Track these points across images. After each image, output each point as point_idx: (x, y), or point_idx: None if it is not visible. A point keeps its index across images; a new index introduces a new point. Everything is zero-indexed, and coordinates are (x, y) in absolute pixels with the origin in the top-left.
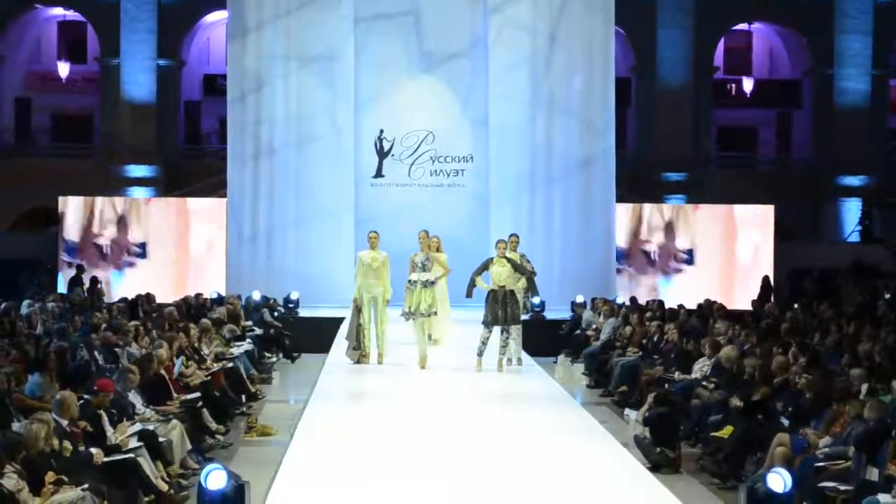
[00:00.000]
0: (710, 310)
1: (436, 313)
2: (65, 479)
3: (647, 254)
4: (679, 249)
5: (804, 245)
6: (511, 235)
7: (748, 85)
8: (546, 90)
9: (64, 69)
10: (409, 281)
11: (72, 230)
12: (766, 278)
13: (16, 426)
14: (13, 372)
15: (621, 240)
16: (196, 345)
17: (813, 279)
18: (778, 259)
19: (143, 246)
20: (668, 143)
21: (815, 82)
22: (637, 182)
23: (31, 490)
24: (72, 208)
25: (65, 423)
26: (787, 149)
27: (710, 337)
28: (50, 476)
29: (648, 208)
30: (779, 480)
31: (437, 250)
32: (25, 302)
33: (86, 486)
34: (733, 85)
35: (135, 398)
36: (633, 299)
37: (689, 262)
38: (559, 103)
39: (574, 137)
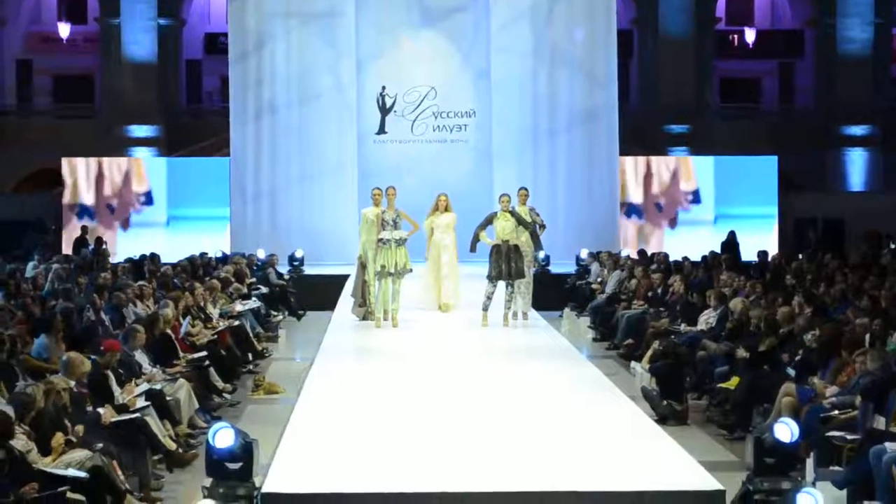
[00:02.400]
0: (715, 262)
1: (411, 271)
2: (73, 439)
3: (657, 205)
4: (684, 192)
5: (808, 195)
6: (520, 189)
7: (750, 35)
8: (548, 43)
9: (64, 30)
10: (381, 240)
11: (84, 192)
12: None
13: (20, 386)
14: (18, 334)
15: (636, 195)
16: (202, 304)
17: (817, 229)
18: (782, 209)
19: (148, 194)
20: (670, 94)
21: (817, 32)
22: (640, 134)
23: (41, 450)
24: (81, 170)
25: (72, 383)
26: (790, 99)
27: (715, 289)
28: (59, 437)
29: (655, 161)
30: (786, 430)
31: (447, 209)
32: (31, 263)
33: (97, 445)
34: (735, 36)
35: (141, 358)
36: (640, 252)
37: (696, 201)
38: (561, 56)
39: (577, 90)
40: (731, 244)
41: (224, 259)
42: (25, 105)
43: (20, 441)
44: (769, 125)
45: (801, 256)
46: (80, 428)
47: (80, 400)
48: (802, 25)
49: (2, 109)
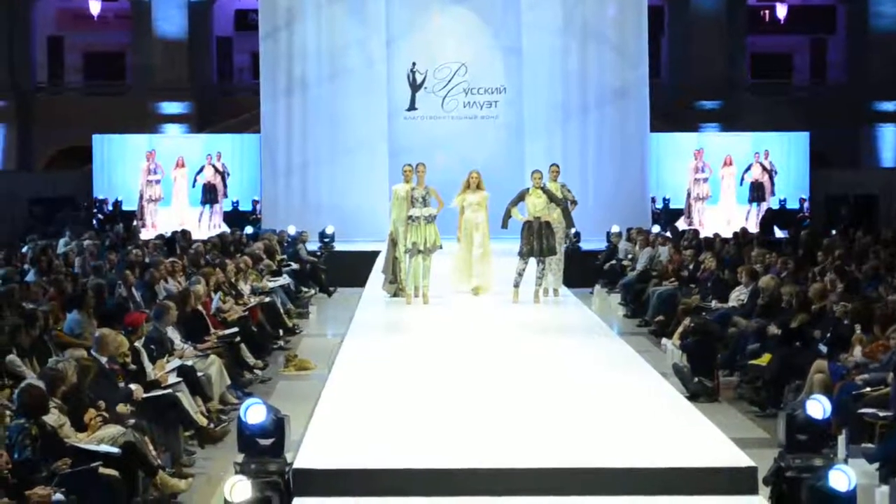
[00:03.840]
0: (746, 238)
1: (441, 247)
2: (106, 414)
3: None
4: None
5: (840, 171)
6: (552, 165)
7: (782, 11)
8: (579, 18)
9: (95, 7)
10: (411, 217)
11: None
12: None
13: (50, 361)
14: (51, 310)
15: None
16: (233, 280)
17: (849, 205)
18: (814, 185)
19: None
20: (701, 71)
21: (849, 7)
22: (671, 111)
23: (74, 425)
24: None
25: (104, 360)
26: (822, 75)
27: (747, 265)
28: (91, 413)
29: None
30: (818, 407)
31: (479, 186)
32: (62, 240)
33: (130, 421)
34: (767, 11)
35: (173, 334)
36: (673, 228)
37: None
38: (592, 31)
39: (607, 66)
40: (769, 221)
41: (255, 235)
42: (56, 82)
43: (52, 416)
44: (801, 101)
45: (833, 233)
46: (122, 408)
47: (112, 376)
48: (834, 1)
49: (33, 86)
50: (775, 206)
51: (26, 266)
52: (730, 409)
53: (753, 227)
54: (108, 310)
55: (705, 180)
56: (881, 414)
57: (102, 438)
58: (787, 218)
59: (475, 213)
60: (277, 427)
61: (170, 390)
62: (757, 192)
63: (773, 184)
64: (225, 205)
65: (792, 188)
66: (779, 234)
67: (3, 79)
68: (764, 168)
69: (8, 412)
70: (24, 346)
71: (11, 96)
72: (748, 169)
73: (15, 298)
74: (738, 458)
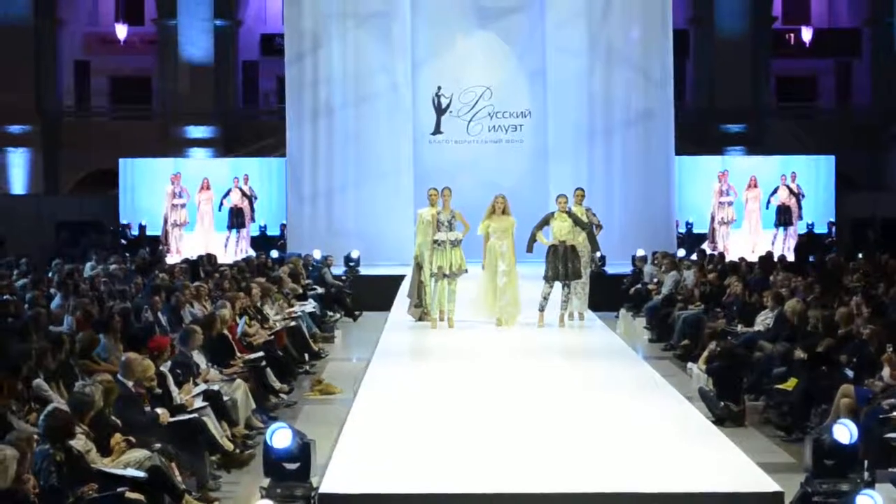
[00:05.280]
0: (771, 262)
1: (466, 271)
2: (132, 439)
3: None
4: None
5: (865, 195)
6: (576, 189)
7: (807, 34)
8: (604, 41)
9: (122, 31)
10: (436, 241)
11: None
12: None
13: (77, 385)
14: (86, 338)
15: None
16: (259, 304)
17: (875, 229)
18: (839, 209)
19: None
20: (726, 94)
21: (874, 31)
22: (696, 134)
23: (99, 450)
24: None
25: (130, 384)
26: (847, 98)
27: (772, 289)
28: (117, 437)
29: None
30: (845, 432)
31: (504, 211)
32: (88, 264)
33: (156, 445)
34: (792, 34)
35: (199, 358)
36: (700, 252)
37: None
38: (617, 55)
39: (632, 89)
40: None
41: (280, 260)
42: (83, 106)
43: (79, 441)
44: (826, 124)
45: (859, 256)
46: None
47: (138, 400)
48: (859, 24)
49: (60, 111)
50: (802, 231)
51: (52, 290)
52: (756, 433)
53: (780, 252)
54: (134, 334)
55: (730, 204)
56: None
57: (128, 463)
58: (815, 242)
59: (500, 240)
60: (303, 451)
61: (196, 414)
62: (784, 216)
63: (800, 207)
64: (252, 229)
65: (818, 212)
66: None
67: (30, 103)
68: (791, 191)
69: (36, 436)
70: (51, 370)
71: (38, 120)
72: (774, 192)
73: (41, 322)
74: (764, 483)
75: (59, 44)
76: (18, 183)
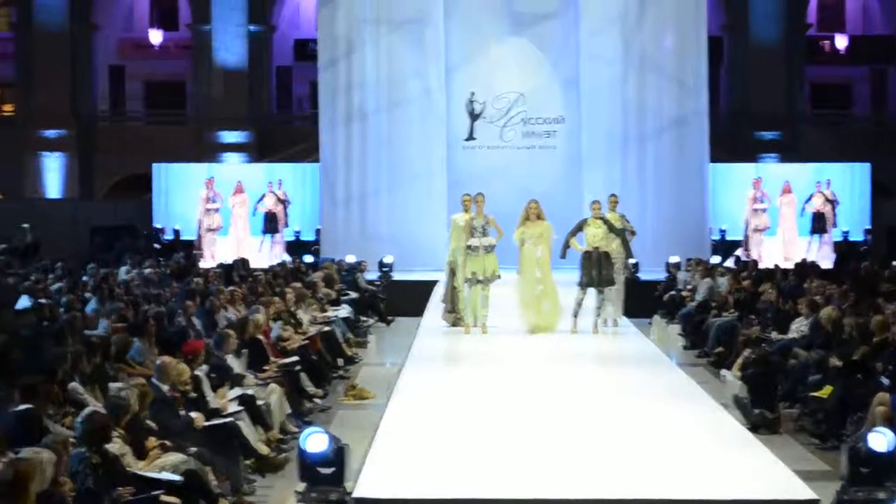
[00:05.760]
0: (806, 269)
1: (500, 277)
2: (168, 443)
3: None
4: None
5: None
6: (610, 195)
7: (842, 42)
8: (637, 48)
9: (156, 36)
10: (469, 247)
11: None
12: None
13: (112, 387)
14: (120, 340)
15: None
16: (293, 309)
17: None
18: (875, 216)
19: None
20: (760, 101)
21: None
22: (730, 141)
23: (135, 454)
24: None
25: (165, 388)
26: (882, 105)
27: (807, 296)
28: (152, 441)
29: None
30: (881, 440)
31: (539, 217)
32: (123, 268)
33: (191, 449)
34: (827, 42)
35: (233, 363)
36: (736, 258)
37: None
38: (651, 62)
39: (666, 96)
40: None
41: (314, 265)
42: (118, 111)
43: (115, 444)
44: (861, 132)
45: (894, 264)
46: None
47: (173, 404)
48: (894, 31)
49: (95, 115)
50: (838, 238)
51: (87, 294)
52: (791, 441)
53: (814, 259)
54: (168, 338)
55: (764, 210)
56: None
57: (164, 466)
58: (852, 250)
59: (535, 245)
60: (338, 456)
61: (231, 419)
62: (818, 223)
63: (835, 214)
64: (286, 234)
65: (853, 219)
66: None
67: (65, 108)
68: (826, 198)
69: (72, 439)
70: (87, 374)
71: (73, 125)
72: (809, 199)
73: (77, 326)
74: (800, 491)
75: (94, 49)
76: (54, 187)
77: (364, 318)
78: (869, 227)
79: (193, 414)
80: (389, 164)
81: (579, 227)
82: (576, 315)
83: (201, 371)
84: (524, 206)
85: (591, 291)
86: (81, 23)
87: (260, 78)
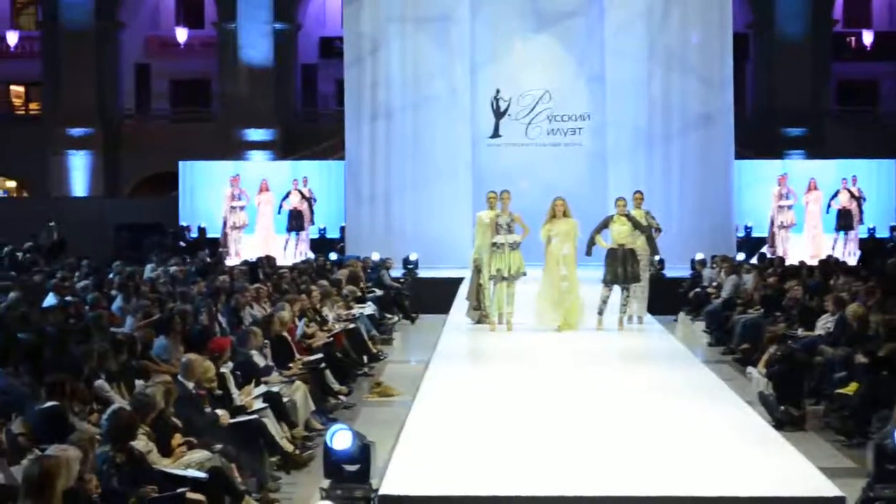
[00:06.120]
0: (832, 266)
1: (525, 274)
2: (193, 440)
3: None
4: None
5: None
6: (635, 192)
7: (868, 38)
8: (663, 46)
9: (182, 34)
10: (495, 244)
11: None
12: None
13: (139, 385)
14: (143, 336)
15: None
16: (318, 306)
17: None
18: None
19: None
20: (786, 98)
21: None
22: (756, 138)
23: (160, 451)
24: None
25: (190, 385)
26: None
27: (833, 293)
28: (178, 438)
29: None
30: None
31: (565, 214)
32: (149, 266)
33: (216, 446)
34: (853, 38)
35: (259, 359)
36: (761, 255)
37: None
38: (676, 59)
39: (692, 93)
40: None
41: (339, 262)
42: (143, 109)
43: (140, 442)
44: (887, 128)
45: None
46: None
47: (199, 401)
48: None
49: (121, 113)
50: (864, 235)
51: (113, 292)
52: (816, 438)
53: (840, 256)
54: (194, 335)
55: (790, 207)
56: None
57: (189, 463)
58: (878, 246)
59: (562, 243)
60: (363, 453)
61: (256, 416)
62: (844, 220)
63: (861, 211)
64: (312, 231)
65: (878, 216)
66: None
67: (91, 106)
68: (852, 195)
69: (98, 436)
70: (113, 371)
71: (99, 123)
72: (835, 195)
73: (103, 324)
74: (826, 488)
75: (120, 47)
76: (80, 185)
77: (389, 316)
78: (895, 223)
79: (219, 411)
80: (414, 161)
81: (604, 224)
82: (601, 312)
83: (227, 368)
84: (550, 203)
85: (616, 288)
86: (107, 21)
87: (285, 76)
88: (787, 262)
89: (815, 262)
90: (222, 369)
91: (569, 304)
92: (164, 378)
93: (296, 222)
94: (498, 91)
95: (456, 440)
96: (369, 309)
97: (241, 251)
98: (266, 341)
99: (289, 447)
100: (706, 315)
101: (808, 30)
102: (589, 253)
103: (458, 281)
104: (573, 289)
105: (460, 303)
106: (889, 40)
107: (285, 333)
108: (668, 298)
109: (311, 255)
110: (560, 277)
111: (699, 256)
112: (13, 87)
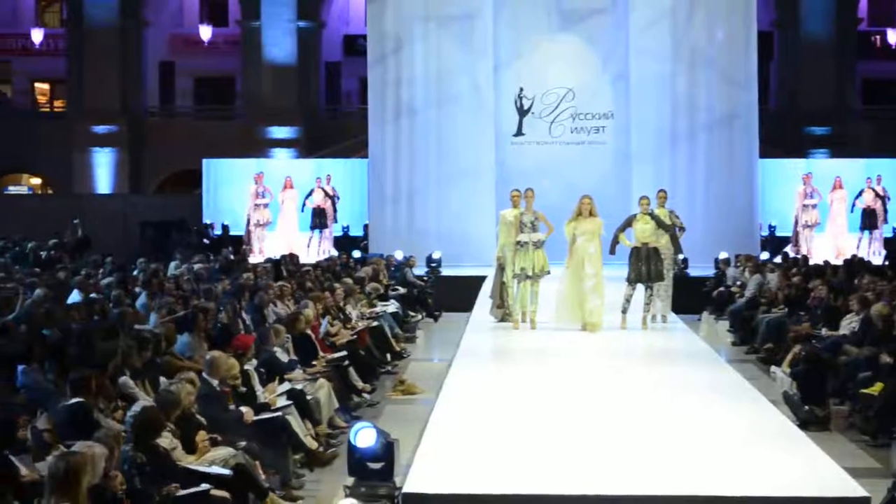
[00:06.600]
0: (856, 265)
1: (549, 273)
2: (217, 437)
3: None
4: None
5: None
6: (659, 191)
7: (893, 36)
8: (687, 45)
9: (206, 32)
10: (519, 242)
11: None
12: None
13: (163, 382)
14: (165, 332)
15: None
16: (341, 304)
17: None
18: None
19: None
20: (811, 96)
21: None
22: (780, 137)
23: (185, 448)
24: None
25: (215, 383)
26: None
27: (858, 293)
28: (202, 435)
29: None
30: None
31: (591, 213)
32: (173, 263)
33: (240, 443)
34: (878, 36)
35: (282, 356)
36: (784, 255)
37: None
38: (701, 58)
39: (716, 92)
40: None
41: (363, 260)
42: (167, 107)
43: (165, 439)
44: None
45: None
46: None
47: (223, 399)
48: None
49: (145, 111)
50: (888, 234)
51: (137, 289)
52: (841, 438)
53: (865, 256)
54: (218, 333)
55: (814, 206)
56: None
57: (213, 461)
58: None
59: (588, 241)
60: (387, 451)
61: (280, 413)
62: (869, 220)
63: (885, 210)
64: (335, 229)
65: None
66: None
67: (115, 103)
68: (876, 194)
69: (123, 433)
70: (137, 368)
71: (124, 121)
72: (859, 195)
73: (127, 321)
74: (850, 488)
75: (144, 45)
76: (104, 182)
77: (412, 314)
78: None
79: (243, 408)
80: (438, 159)
81: (628, 223)
82: (625, 311)
83: (251, 366)
84: (577, 201)
85: (640, 287)
86: (132, 19)
87: (309, 73)
88: (812, 262)
89: (839, 262)
90: (246, 367)
91: (592, 304)
92: (188, 375)
93: (319, 220)
94: (521, 89)
95: (479, 438)
96: (392, 307)
97: (264, 248)
98: (288, 336)
99: (313, 444)
100: (730, 314)
101: (832, 28)
102: (613, 251)
103: (482, 279)
104: (599, 287)
105: (484, 301)
106: None
107: (309, 331)
108: (691, 297)
109: (335, 253)
110: (583, 276)
111: (723, 255)
112: (38, 85)
